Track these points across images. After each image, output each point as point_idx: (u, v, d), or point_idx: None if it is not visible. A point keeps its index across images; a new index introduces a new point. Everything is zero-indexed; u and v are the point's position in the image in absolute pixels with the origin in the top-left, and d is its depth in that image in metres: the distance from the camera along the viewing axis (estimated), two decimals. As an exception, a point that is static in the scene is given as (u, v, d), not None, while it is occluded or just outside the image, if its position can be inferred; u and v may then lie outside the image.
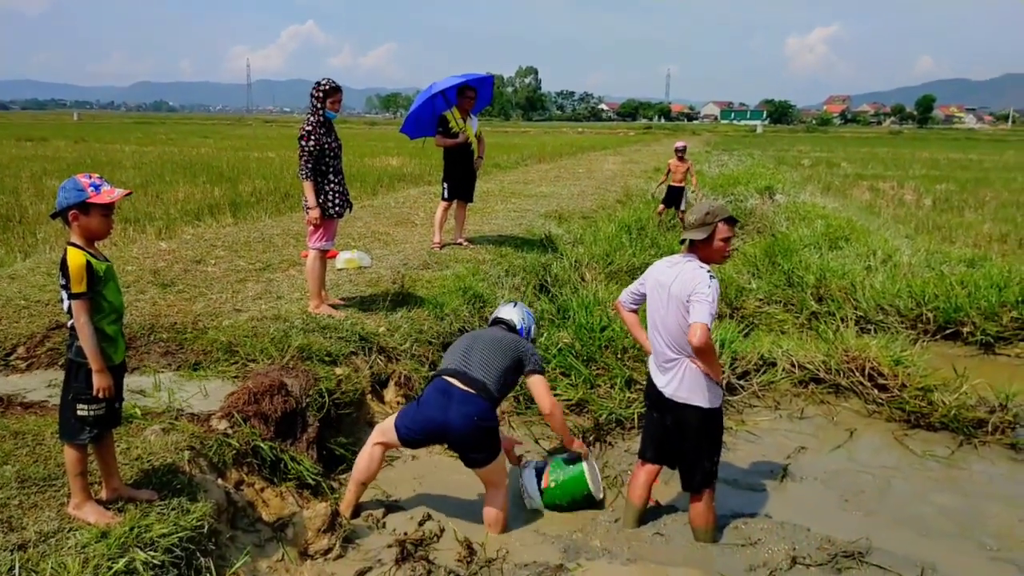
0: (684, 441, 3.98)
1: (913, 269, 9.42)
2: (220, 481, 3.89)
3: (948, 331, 7.96)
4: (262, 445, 4.29)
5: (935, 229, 13.99)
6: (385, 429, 4.20)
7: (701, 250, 3.86)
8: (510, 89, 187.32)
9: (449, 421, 3.92)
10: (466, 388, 3.99)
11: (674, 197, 13.52)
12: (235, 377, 4.91)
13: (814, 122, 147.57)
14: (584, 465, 4.47)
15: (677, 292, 3.77)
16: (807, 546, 4.06)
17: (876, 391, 6.22)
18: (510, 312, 4.68)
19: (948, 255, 10.36)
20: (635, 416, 5.67)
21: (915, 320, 8.13)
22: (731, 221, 3.83)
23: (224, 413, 4.37)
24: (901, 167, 31.16)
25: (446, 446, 4.44)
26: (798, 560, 3.94)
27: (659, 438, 4.12)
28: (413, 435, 4.06)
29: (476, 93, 8.70)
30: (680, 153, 13.30)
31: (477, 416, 3.92)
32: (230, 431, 4.25)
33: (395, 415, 4.21)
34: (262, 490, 4.16)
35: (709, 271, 3.74)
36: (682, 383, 3.87)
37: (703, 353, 3.69)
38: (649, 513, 4.33)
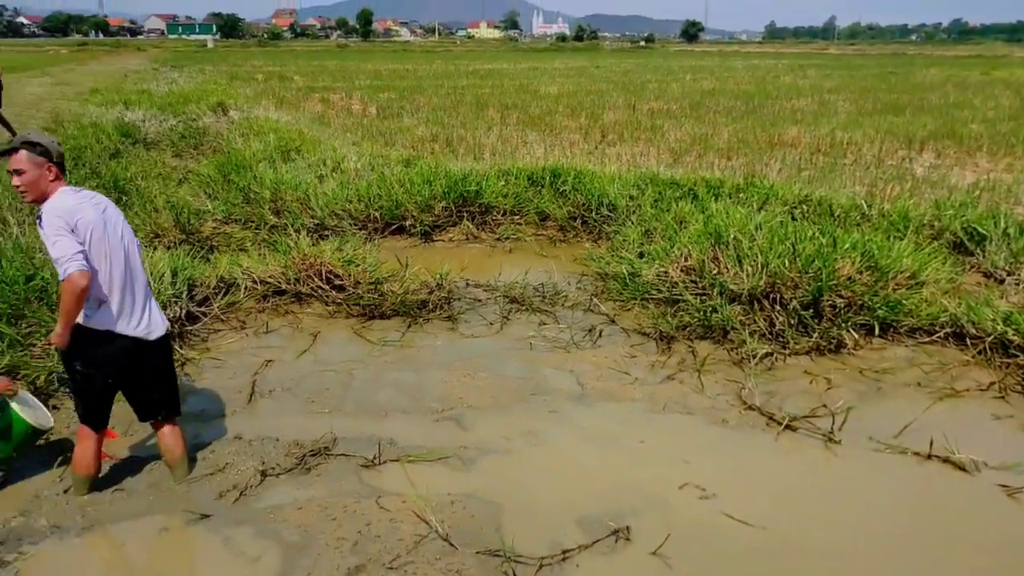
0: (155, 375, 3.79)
1: (360, 174, 10.05)
2: None
3: (394, 226, 8.74)
4: None
5: (379, 135, 15.15)
6: None
7: None
8: None
9: None
10: None
11: None
12: None
13: (266, 36, 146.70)
14: (14, 406, 3.77)
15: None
16: (276, 456, 4.13)
17: (334, 292, 6.54)
18: None
19: (388, 158, 11.30)
20: (83, 369, 5.04)
21: (365, 221, 8.73)
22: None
23: None
24: (348, 79, 32.96)
25: None
26: (268, 472, 3.98)
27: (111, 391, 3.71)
28: None
29: None
30: None
31: None
32: None
33: None
34: None
35: None
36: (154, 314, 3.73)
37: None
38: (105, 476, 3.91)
